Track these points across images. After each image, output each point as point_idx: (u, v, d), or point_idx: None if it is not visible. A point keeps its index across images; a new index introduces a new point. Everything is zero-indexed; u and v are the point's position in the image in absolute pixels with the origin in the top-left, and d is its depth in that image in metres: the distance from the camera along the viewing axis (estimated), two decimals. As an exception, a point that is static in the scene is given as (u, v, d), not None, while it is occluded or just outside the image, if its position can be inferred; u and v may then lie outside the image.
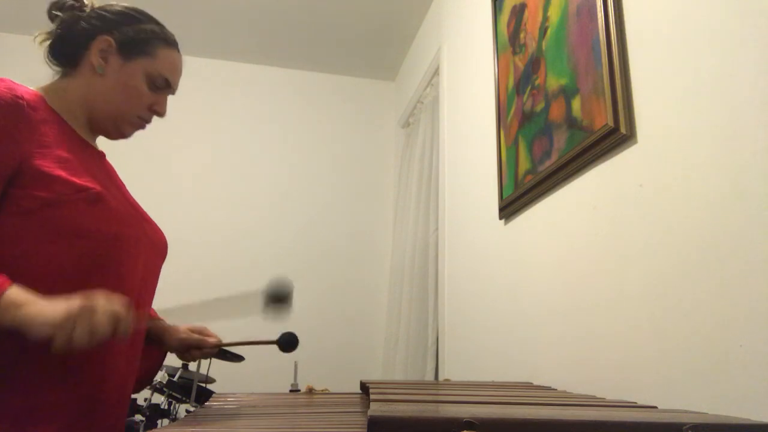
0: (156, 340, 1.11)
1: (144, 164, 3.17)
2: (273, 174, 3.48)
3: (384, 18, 3.16)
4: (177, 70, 1.04)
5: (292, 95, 3.65)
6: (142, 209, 1.06)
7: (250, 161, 3.47)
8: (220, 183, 3.39)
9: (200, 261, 3.13)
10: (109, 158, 1.10)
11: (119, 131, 1.02)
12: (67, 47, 0.98)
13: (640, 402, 0.95)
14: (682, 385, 0.96)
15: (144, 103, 1.00)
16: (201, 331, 1.13)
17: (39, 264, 0.83)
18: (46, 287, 0.79)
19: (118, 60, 0.97)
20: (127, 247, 0.92)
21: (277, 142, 3.55)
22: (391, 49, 3.47)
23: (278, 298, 1.02)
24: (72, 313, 0.73)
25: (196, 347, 1.11)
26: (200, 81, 3.42)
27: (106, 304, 0.76)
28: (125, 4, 1.01)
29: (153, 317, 1.12)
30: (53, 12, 0.98)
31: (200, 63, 3.43)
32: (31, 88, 0.94)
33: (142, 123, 1.03)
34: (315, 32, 3.31)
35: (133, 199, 1.06)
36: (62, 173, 0.85)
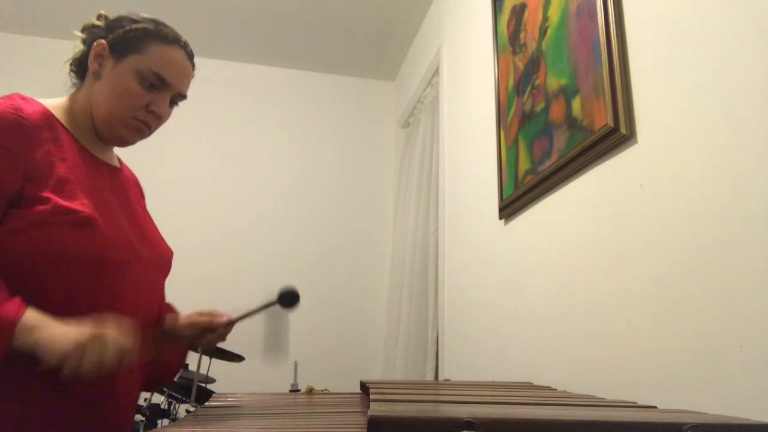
0: (171, 334, 1.07)
1: (143, 165, 3.16)
2: (272, 174, 3.48)
3: (384, 18, 3.16)
4: (172, 66, 0.99)
5: (293, 95, 3.65)
6: (147, 228, 1.04)
7: (250, 161, 3.47)
8: (218, 183, 3.38)
9: (199, 261, 3.13)
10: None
11: (116, 135, 0.98)
12: (80, 62, 1.00)
13: (640, 402, 0.95)
14: (682, 385, 0.96)
15: (138, 102, 0.96)
16: (210, 313, 1.08)
17: (26, 285, 0.81)
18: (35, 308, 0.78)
19: (111, 62, 0.96)
20: (113, 273, 0.89)
21: (277, 142, 3.55)
22: (391, 49, 3.47)
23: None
24: (81, 343, 0.73)
25: (208, 329, 1.07)
26: (200, 81, 3.38)
27: (114, 333, 0.77)
28: (130, 13, 1.00)
29: (169, 311, 1.10)
30: (78, 35, 1.01)
31: (200, 63, 3.40)
32: (45, 101, 0.94)
33: (140, 125, 0.98)
34: (315, 32, 3.31)
35: (141, 218, 1.04)
36: (52, 194, 0.84)
